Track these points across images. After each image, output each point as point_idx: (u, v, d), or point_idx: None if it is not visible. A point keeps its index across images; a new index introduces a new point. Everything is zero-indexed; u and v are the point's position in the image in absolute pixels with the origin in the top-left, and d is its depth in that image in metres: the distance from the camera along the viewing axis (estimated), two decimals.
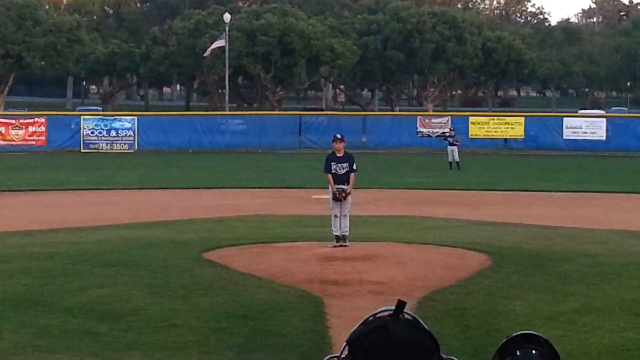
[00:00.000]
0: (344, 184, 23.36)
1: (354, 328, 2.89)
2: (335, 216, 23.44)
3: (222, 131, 73.70)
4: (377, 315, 2.89)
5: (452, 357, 2.90)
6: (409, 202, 35.60)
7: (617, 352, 13.87)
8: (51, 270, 20.10)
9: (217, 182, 44.11)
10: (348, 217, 23.42)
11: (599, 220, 30.19)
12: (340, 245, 22.83)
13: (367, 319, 2.88)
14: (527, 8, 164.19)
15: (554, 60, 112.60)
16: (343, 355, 2.88)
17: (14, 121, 71.78)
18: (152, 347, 14.08)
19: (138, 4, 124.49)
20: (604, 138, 72.83)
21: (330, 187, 23.69)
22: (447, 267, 20.58)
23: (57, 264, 20.92)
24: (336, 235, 23.20)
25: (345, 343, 2.88)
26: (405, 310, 2.86)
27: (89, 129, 70.75)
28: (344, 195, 23.26)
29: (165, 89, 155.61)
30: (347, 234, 23.19)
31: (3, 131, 69.85)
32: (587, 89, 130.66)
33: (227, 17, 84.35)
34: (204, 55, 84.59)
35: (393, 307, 2.87)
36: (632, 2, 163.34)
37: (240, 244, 23.71)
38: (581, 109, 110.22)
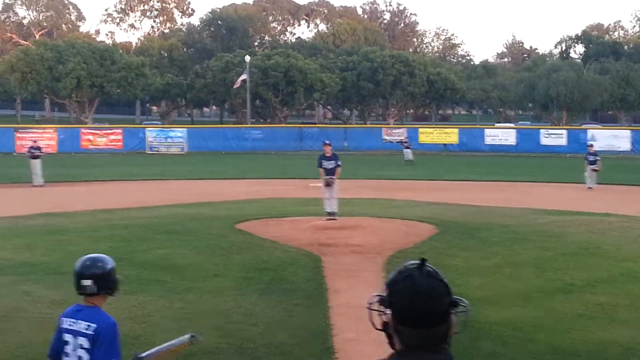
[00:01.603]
0: (332, 175, 23.42)
1: (390, 275, 2.90)
2: (327, 198, 23.48)
3: (245, 138, 73.67)
4: (407, 266, 2.88)
5: (461, 298, 2.90)
6: (379, 189, 35.61)
7: (527, 294, 13.91)
8: (127, 237, 20.12)
9: (243, 175, 44.12)
10: (336, 199, 23.45)
11: (512, 201, 30.26)
12: (331, 219, 22.86)
13: (400, 269, 2.88)
14: (458, 51, 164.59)
15: (477, 89, 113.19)
16: (383, 295, 2.86)
17: (99, 132, 71.71)
18: (201, 290, 14.07)
19: (185, 49, 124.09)
20: (514, 143, 73.01)
21: (322, 177, 23.72)
22: (407, 234, 20.60)
23: (131, 232, 20.94)
24: (327, 212, 23.24)
25: (385, 286, 2.88)
26: (427, 264, 2.86)
27: (152, 137, 70.68)
28: (331, 182, 23.32)
29: (205, 109, 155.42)
30: (335, 211, 23.23)
31: (92, 139, 69.82)
32: (501, 109, 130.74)
33: (247, 58, 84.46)
34: (234, 86, 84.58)
35: (418, 262, 2.87)
36: (531, 47, 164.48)
37: (261, 218, 23.73)
38: (497, 122, 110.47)
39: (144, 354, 6.06)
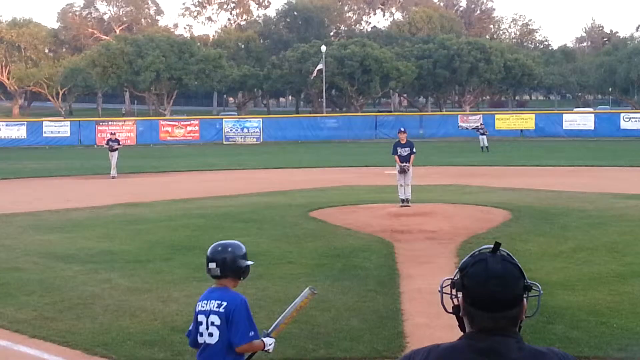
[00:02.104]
0: (406, 162, 23.36)
1: (464, 259, 2.90)
2: (401, 185, 23.44)
3: (321, 128, 73.82)
4: (481, 251, 2.88)
5: (534, 282, 2.89)
6: (453, 175, 35.38)
7: (602, 278, 13.66)
8: (203, 225, 20.34)
9: (318, 163, 44.18)
10: (410, 186, 23.39)
11: (590, 186, 29.73)
12: (404, 206, 22.82)
13: (473, 253, 2.89)
14: (535, 37, 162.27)
15: (556, 74, 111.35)
16: (455, 278, 2.87)
17: (177, 123, 72.66)
18: (274, 277, 14.14)
19: (261, 40, 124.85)
20: (592, 128, 71.75)
21: (397, 164, 23.67)
22: (480, 220, 20.43)
23: (207, 221, 21.17)
24: (401, 199, 23.20)
25: (457, 269, 2.88)
26: (501, 249, 2.86)
27: (229, 128, 71.32)
28: (406, 169, 23.25)
29: (281, 99, 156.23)
30: (409, 197, 23.18)
31: (170, 130, 70.79)
32: (579, 94, 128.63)
33: (323, 48, 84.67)
34: (311, 77, 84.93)
35: (492, 246, 2.87)
36: (612, 31, 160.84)
37: (335, 206, 23.75)
38: (575, 107, 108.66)
39: (270, 328, 6.39)
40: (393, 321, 11.02)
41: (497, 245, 2.85)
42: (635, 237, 17.77)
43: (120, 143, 40.26)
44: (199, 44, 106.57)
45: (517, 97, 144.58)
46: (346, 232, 18.95)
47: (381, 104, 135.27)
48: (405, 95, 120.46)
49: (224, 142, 69.37)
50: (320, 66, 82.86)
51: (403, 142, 23.80)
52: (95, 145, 62.00)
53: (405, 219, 20.55)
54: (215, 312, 6.05)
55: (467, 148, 56.79)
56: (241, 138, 70.44)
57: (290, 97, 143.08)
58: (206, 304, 6.13)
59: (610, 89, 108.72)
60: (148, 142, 67.44)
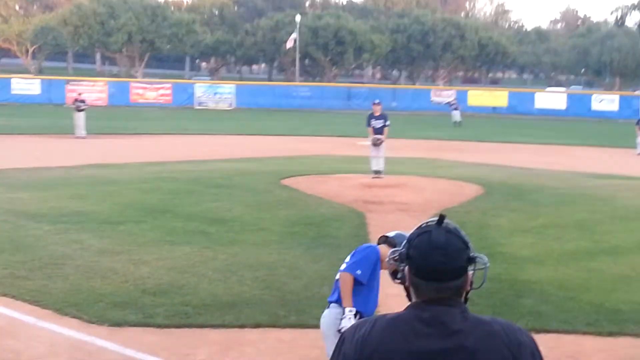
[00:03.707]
0: (380, 134, 23.39)
1: (411, 231, 2.92)
2: (374, 157, 23.51)
3: (293, 96, 73.61)
4: (427, 223, 2.90)
5: (481, 255, 2.89)
6: (426, 149, 35.49)
7: (572, 254, 13.79)
8: (176, 189, 20.29)
9: (291, 132, 44.09)
10: (383, 158, 23.44)
11: (561, 164, 30.01)
12: (377, 177, 22.89)
13: (420, 225, 2.90)
14: (510, 17, 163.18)
15: (529, 53, 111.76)
16: (403, 250, 2.89)
17: (149, 86, 72.20)
18: (246, 243, 14.15)
19: (236, 7, 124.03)
20: (564, 107, 72.18)
21: (370, 136, 23.70)
22: (453, 194, 20.53)
23: (179, 185, 21.12)
24: (374, 170, 23.26)
25: (405, 241, 2.90)
26: (447, 221, 2.87)
27: (201, 92, 71.00)
28: (379, 142, 23.30)
29: (254, 67, 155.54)
30: (382, 169, 23.25)
31: (141, 93, 70.36)
32: (552, 74, 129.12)
33: (298, 18, 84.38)
34: (287, 47, 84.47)
35: (437, 218, 2.88)
36: (586, 15, 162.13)
37: (307, 174, 23.77)
38: (548, 87, 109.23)
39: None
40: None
41: (442, 217, 2.87)
42: (604, 215, 17.96)
43: (87, 103, 39.83)
44: (172, 8, 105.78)
45: (490, 75, 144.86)
46: (318, 201, 18.98)
47: (354, 76, 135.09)
48: (379, 67, 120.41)
49: (196, 107, 69.01)
50: (294, 35, 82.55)
51: (377, 114, 23.82)
52: (65, 105, 61.41)
53: (377, 190, 20.62)
54: (351, 253, 6.63)
55: (440, 122, 56.92)
56: (213, 103, 70.10)
57: (263, 65, 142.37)
58: None
59: (583, 70, 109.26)
60: (119, 104, 66.90)
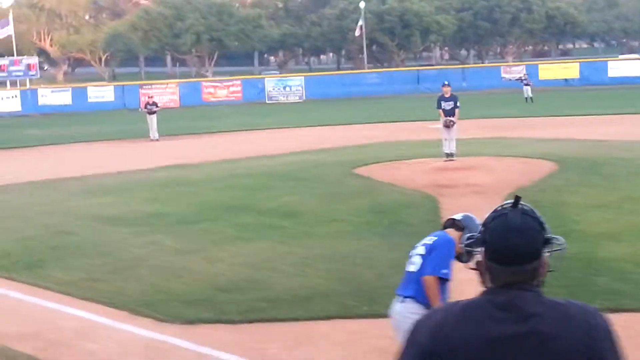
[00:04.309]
0: (451, 116, 23.23)
1: (488, 214, 2.89)
2: (445, 139, 23.35)
3: (363, 84, 73.27)
4: (503, 206, 2.87)
5: (558, 236, 2.85)
6: (498, 127, 35.03)
7: None
8: (250, 185, 20.49)
9: (362, 120, 43.89)
10: (454, 140, 23.28)
11: (636, 133, 29.32)
12: (449, 160, 22.75)
13: (496, 208, 2.88)
14: None
15: (599, 21, 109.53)
16: (479, 234, 2.87)
17: (219, 84, 72.69)
18: (320, 235, 14.20)
19: None
20: (639, 74, 70.54)
21: (441, 118, 23.56)
22: (526, 172, 20.28)
23: (254, 180, 21.30)
24: (446, 153, 23.13)
25: (481, 225, 2.88)
26: (522, 203, 2.84)
27: (271, 87, 71.24)
28: (451, 123, 23.16)
29: (322, 57, 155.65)
30: (454, 151, 23.10)
31: (213, 91, 70.89)
32: (624, 40, 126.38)
33: (362, 4, 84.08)
34: (356, 35, 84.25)
35: (512, 201, 2.86)
36: None
37: (379, 162, 23.72)
38: (620, 54, 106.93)
39: None
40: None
41: (517, 199, 2.84)
42: None
43: (159, 106, 40.34)
44: (237, 4, 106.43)
45: (560, 46, 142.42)
46: (391, 188, 18.94)
47: (423, 59, 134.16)
48: (446, 48, 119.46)
49: (267, 102, 69.30)
50: (360, 23, 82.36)
51: (447, 95, 23.67)
52: (140, 109, 62.29)
53: (450, 173, 20.48)
54: (424, 244, 6.54)
55: (511, 99, 56.15)
56: (284, 97, 70.30)
57: (331, 55, 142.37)
58: (425, 239, 6.65)
59: None
60: (191, 104, 67.57)
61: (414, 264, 6.49)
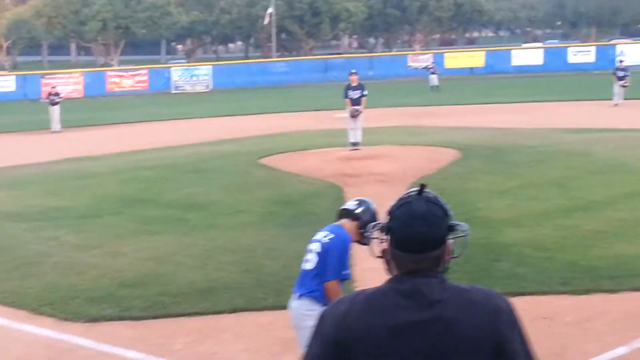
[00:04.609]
0: (357, 105, 23.36)
1: (393, 203, 2.91)
2: (351, 129, 23.47)
3: (271, 73, 73.14)
4: (408, 194, 2.90)
5: (462, 223, 2.90)
6: (403, 116, 35.43)
7: (548, 213, 13.89)
8: (153, 177, 20.24)
9: (268, 109, 43.88)
10: (360, 129, 23.41)
11: (539, 121, 30.10)
12: (355, 149, 22.86)
13: (401, 196, 2.90)
14: None
15: (505, 9, 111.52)
16: (384, 222, 2.89)
17: (125, 74, 71.66)
18: (225, 227, 14.17)
19: None
20: (541, 63, 72.16)
21: (347, 108, 23.67)
22: (430, 160, 20.50)
23: (157, 172, 21.04)
24: (352, 142, 23.23)
25: (386, 213, 2.90)
26: (427, 190, 2.87)
27: (177, 76, 70.62)
28: (357, 113, 23.27)
29: (230, 45, 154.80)
30: (359, 141, 23.21)
31: (118, 81, 69.86)
32: (529, 29, 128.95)
33: None
34: (265, 23, 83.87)
35: (417, 189, 2.89)
36: None
37: (285, 152, 23.70)
38: (524, 43, 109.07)
39: None
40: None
41: (422, 187, 2.88)
42: (581, 171, 18.06)
43: (61, 96, 39.52)
44: None
45: (467, 35, 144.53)
46: (296, 178, 18.97)
47: (331, 47, 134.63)
48: (355, 36, 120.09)
49: (173, 92, 68.66)
50: (270, 10, 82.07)
51: (354, 84, 23.77)
52: (41, 100, 61.02)
53: (356, 162, 20.61)
54: (319, 240, 6.37)
55: (418, 88, 56.84)
56: (190, 86, 69.73)
57: (239, 43, 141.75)
58: (318, 234, 6.48)
59: (558, 23, 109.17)
60: (96, 94, 66.48)
61: (309, 262, 6.41)
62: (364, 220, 6.35)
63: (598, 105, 36.90)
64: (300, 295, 6.47)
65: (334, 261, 6.24)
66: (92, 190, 18.67)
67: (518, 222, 13.31)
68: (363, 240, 6.36)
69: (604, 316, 8.83)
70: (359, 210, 6.42)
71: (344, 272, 6.32)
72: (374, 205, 6.56)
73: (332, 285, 6.27)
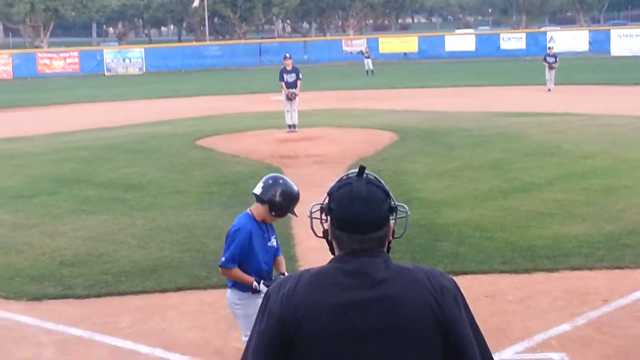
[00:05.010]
0: (293, 88, 23.36)
1: (332, 184, 2.90)
2: (288, 111, 23.50)
3: (204, 56, 72.82)
4: (348, 175, 2.89)
5: (402, 204, 2.91)
6: (339, 99, 35.52)
7: (487, 194, 14.07)
8: (88, 158, 20.01)
9: (203, 92, 43.67)
10: (297, 112, 23.45)
11: (473, 105, 30.48)
12: (292, 131, 22.92)
13: (341, 178, 2.90)
14: None
15: None
16: (325, 203, 2.89)
17: (55, 55, 70.58)
18: (163, 207, 14.07)
19: None
20: (473, 49, 72.98)
21: (283, 91, 23.66)
22: (368, 142, 20.64)
23: (92, 153, 20.81)
24: (288, 124, 23.27)
25: (326, 194, 2.89)
26: (367, 172, 2.87)
27: (110, 59, 69.77)
28: (293, 96, 23.28)
29: (163, 29, 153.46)
30: (296, 123, 23.26)
31: (48, 63, 68.78)
32: (460, 16, 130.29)
33: None
34: (192, 6, 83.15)
35: (357, 170, 2.88)
36: None
37: (222, 133, 23.65)
38: (457, 29, 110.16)
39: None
40: (284, 245, 11.01)
41: (362, 168, 2.88)
42: (517, 153, 18.34)
43: None
44: None
45: (400, 21, 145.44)
46: (234, 159, 18.93)
47: (264, 31, 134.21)
48: (288, 21, 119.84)
49: (106, 74, 67.84)
50: None
51: (289, 68, 23.76)
52: None
53: (293, 144, 20.64)
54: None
55: (353, 72, 57.04)
56: (123, 69, 69.00)
57: (172, 27, 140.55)
58: None
59: (490, 10, 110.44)
60: (26, 76, 65.35)
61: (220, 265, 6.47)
62: (274, 202, 6.33)
63: (530, 90, 37.49)
64: (229, 287, 6.53)
65: (225, 248, 6.31)
66: (26, 170, 18.40)
67: (457, 203, 13.47)
68: (278, 217, 6.47)
69: (545, 294, 8.98)
70: (266, 195, 6.34)
71: (222, 260, 6.29)
72: (288, 183, 6.49)
73: (225, 272, 6.34)
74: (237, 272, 6.28)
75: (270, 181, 6.47)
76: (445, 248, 10.74)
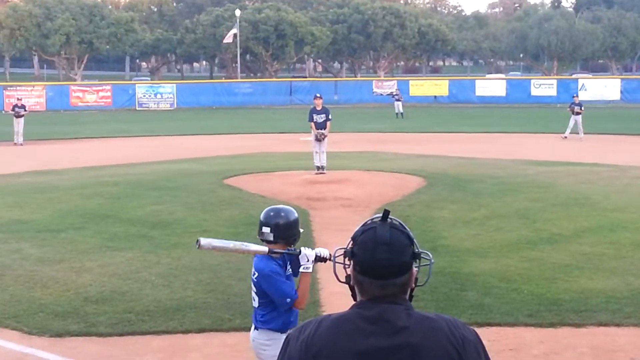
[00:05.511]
0: (322, 129, 23.41)
1: (357, 228, 2.91)
2: (316, 152, 23.51)
3: (235, 93, 73.24)
4: (372, 219, 2.90)
5: (426, 251, 2.92)
6: (368, 142, 35.57)
7: (513, 245, 13.96)
8: (117, 193, 20.11)
9: (233, 130, 43.90)
10: (325, 153, 23.47)
11: (502, 152, 30.31)
12: (320, 173, 22.91)
13: (365, 222, 2.90)
14: (449, 2, 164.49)
15: (469, 40, 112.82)
16: (348, 247, 2.89)
17: (88, 89, 71.30)
18: (189, 246, 14.04)
19: (174, 3, 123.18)
20: (504, 94, 72.90)
21: (312, 131, 23.71)
22: (395, 187, 20.59)
23: (120, 188, 20.92)
24: (317, 166, 23.29)
25: (350, 239, 2.90)
26: (391, 217, 2.87)
27: (142, 93, 70.34)
28: (322, 137, 23.32)
29: (195, 64, 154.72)
30: (324, 164, 23.27)
31: (81, 96, 69.44)
32: (492, 60, 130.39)
33: (237, 12, 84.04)
34: (224, 41, 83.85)
35: (381, 215, 2.89)
36: None
37: (250, 173, 23.70)
38: (488, 73, 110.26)
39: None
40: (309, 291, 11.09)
41: (387, 213, 2.88)
42: (545, 203, 18.21)
43: (27, 109, 39.34)
44: (110, 6, 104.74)
45: (430, 63, 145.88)
46: (261, 199, 18.90)
47: (296, 70, 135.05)
48: (320, 60, 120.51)
49: (137, 108, 68.39)
50: (234, 30, 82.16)
51: (319, 108, 23.83)
52: (3, 111, 60.44)
53: (321, 186, 20.62)
54: (253, 281, 6.31)
55: (382, 114, 57.12)
56: (154, 104, 69.53)
57: (204, 63, 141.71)
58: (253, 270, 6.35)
59: (521, 55, 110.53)
60: (58, 108, 66.03)
61: (254, 300, 6.41)
62: (286, 236, 6.27)
63: (560, 138, 37.32)
64: (256, 327, 6.45)
65: (275, 293, 6.16)
66: (55, 204, 18.52)
67: (483, 252, 13.38)
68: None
69: (570, 350, 8.88)
70: (272, 231, 6.24)
71: (290, 287, 6.21)
72: (292, 212, 6.41)
73: (295, 303, 6.23)
74: (301, 291, 6.21)
75: (277, 221, 6.36)
76: (470, 298, 10.66)
